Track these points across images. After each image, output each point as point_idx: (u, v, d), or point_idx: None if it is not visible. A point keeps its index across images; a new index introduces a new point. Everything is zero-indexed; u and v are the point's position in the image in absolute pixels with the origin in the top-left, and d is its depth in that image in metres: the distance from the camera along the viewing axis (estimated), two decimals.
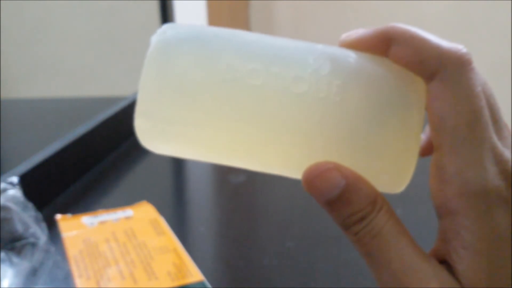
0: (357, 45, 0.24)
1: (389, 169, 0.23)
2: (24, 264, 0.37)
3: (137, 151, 0.69)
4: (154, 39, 0.24)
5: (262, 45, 0.24)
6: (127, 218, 0.39)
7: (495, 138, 0.22)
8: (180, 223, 0.50)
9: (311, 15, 1.99)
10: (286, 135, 0.23)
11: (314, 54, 0.23)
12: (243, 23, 1.96)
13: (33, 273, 0.37)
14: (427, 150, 0.25)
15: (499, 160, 0.21)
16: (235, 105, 0.23)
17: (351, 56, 0.24)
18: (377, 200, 0.22)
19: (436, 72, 0.22)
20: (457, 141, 0.21)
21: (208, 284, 0.32)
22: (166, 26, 0.24)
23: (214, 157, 0.24)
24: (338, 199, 0.22)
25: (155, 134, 0.24)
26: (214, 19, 1.47)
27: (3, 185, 0.39)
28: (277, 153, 0.24)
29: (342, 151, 0.23)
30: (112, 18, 0.93)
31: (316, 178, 0.22)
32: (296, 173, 0.23)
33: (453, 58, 0.21)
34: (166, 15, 0.83)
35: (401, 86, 0.23)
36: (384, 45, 0.23)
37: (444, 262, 0.22)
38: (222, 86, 0.23)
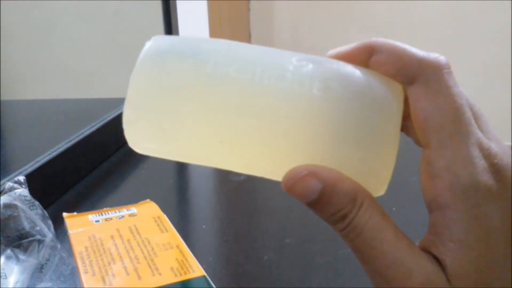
0: (340, 57, 0.25)
1: (370, 165, 0.23)
2: (31, 261, 0.37)
3: None
4: (147, 44, 0.25)
5: (247, 49, 0.25)
6: (131, 215, 0.40)
7: (480, 133, 0.22)
8: (182, 221, 0.51)
9: (311, 15, 1.99)
10: (269, 131, 0.23)
11: (297, 56, 0.24)
12: (243, 24, 1.96)
13: (40, 269, 0.37)
14: None
15: (486, 154, 0.22)
16: (220, 99, 0.23)
17: (333, 61, 0.25)
18: (357, 197, 0.22)
19: (416, 76, 0.23)
20: (444, 136, 0.22)
21: (209, 279, 0.32)
22: (157, 36, 0.25)
23: (194, 155, 0.25)
24: (318, 201, 0.22)
25: (141, 130, 0.24)
26: (215, 20, 1.47)
27: (10, 184, 0.39)
28: (259, 150, 0.24)
29: (323, 147, 0.23)
30: (116, 21, 0.94)
31: (293, 185, 0.23)
32: (278, 171, 0.24)
33: (431, 63, 0.23)
34: (169, 17, 0.83)
35: (381, 86, 0.24)
36: (366, 55, 0.24)
37: (432, 256, 0.22)
38: (208, 81, 0.23)
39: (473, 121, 0.22)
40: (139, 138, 0.25)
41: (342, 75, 0.24)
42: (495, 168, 0.22)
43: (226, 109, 0.23)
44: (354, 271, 0.42)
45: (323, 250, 0.45)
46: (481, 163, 0.21)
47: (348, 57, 0.25)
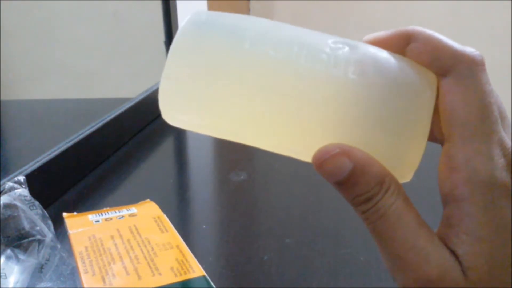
0: (377, 42, 0.25)
1: (399, 150, 0.24)
2: (31, 261, 0.37)
3: (141, 152, 0.70)
4: (188, 17, 0.25)
5: (284, 28, 0.25)
6: (131, 215, 0.40)
7: (503, 132, 0.22)
8: (182, 221, 0.51)
9: (311, 15, 1.99)
10: (302, 110, 0.24)
11: (333, 39, 0.24)
12: None
13: (40, 269, 0.37)
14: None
15: (506, 153, 0.22)
16: (255, 76, 0.24)
17: (369, 46, 0.25)
18: (384, 181, 0.23)
19: (450, 69, 0.23)
20: (467, 132, 0.22)
21: (209, 279, 0.32)
22: (197, 10, 0.26)
23: (229, 129, 0.25)
24: (346, 180, 0.23)
25: (177, 98, 0.25)
26: None
27: (10, 184, 0.39)
28: (291, 127, 0.24)
29: (354, 130, 0.23)
30: (116, 21, 0.94)
31: (324, 162, 0.23)
32: (307, 150, 0.24)
33: (467, 57, 0.23)
34: (169, 17, 0.83)
35: (415, 74, 0.24)
36: (403, 42, 0.24)
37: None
38: (244, 58, 0.24)
39: (499, 120, 0.23)
40: (174, 108, 0.25)
41: (377, 60, 0.24)
42: None
43: (260, 86, 0.24)
44: (354, 271, 0.42)
45: (323, 250, 0.45)
46: (500, 161, 0.22)
47: (385, 44, 0.25)
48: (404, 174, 0.24)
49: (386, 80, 0.23)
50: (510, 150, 0.22)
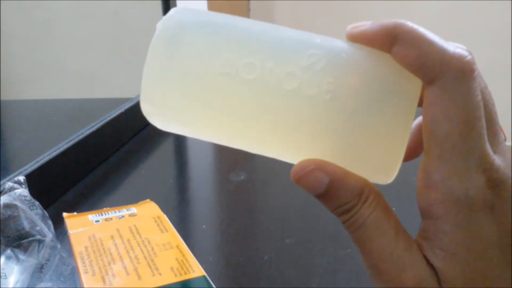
0: (361, 39, 0.24)
1: (375, 164, 0.24)
2: (31, 261, 0.37)
3: (141, 152, 0.70)
4: (159, 26, 0.25)
5: (262, 37, 0.24)
6: (131, 215, 0.40)
7: (487, 147, 0.22)
8: (182, 221, 0.51)
9: (311, 15, 1.99)
10: (276, 130, 0.24)
11: (310, 49, 0.24)
12: None
13: (40, 269, 0.37)
14: (408, 156, 0.26)
15: (488, 168, 0.21)
16: (229, 98, 0.24)
17: (349, 51, 0.24)
18: (363, 192, 0.23)
19: (436, 77, 0.21)
20: (446, 149, 0.21)
21: (209, 279, 0.32)
22: (172, 12, 0.26)
23: (216, 139, 0.25)
24: (325, 193, 0.23)
25: (159, 117, 0.26)
26: None
27: (10, 184, 0.39)
28: (268, 145, 0.25)
29: (329, 147, 0.24)
30: (116, 21, 0.94)
31: (302, 177, 0.23)
32: (289, 160, 0.25)
33: (456, 66, 0.21)
34: None
35: (393, 86, 0.23)
36: (389, 41, 0.22)
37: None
38: (219, 79, 0.24)
39: (482, 136, 0.22)
40: (158, 123, 0.26)
41: (353, 76, 0.23)
42: (494, 182, 0.22)
43: (232, 110, 0.24)
44: (354, 271, 0.42)
45: (323, 250, 0.45)
46: (479, 178, 0.21)
47: (370, 40, 0.23)
48: (385, 176, 0.24)
49: (361, 100, 0.23)
50: (492, 164, 0.22)
